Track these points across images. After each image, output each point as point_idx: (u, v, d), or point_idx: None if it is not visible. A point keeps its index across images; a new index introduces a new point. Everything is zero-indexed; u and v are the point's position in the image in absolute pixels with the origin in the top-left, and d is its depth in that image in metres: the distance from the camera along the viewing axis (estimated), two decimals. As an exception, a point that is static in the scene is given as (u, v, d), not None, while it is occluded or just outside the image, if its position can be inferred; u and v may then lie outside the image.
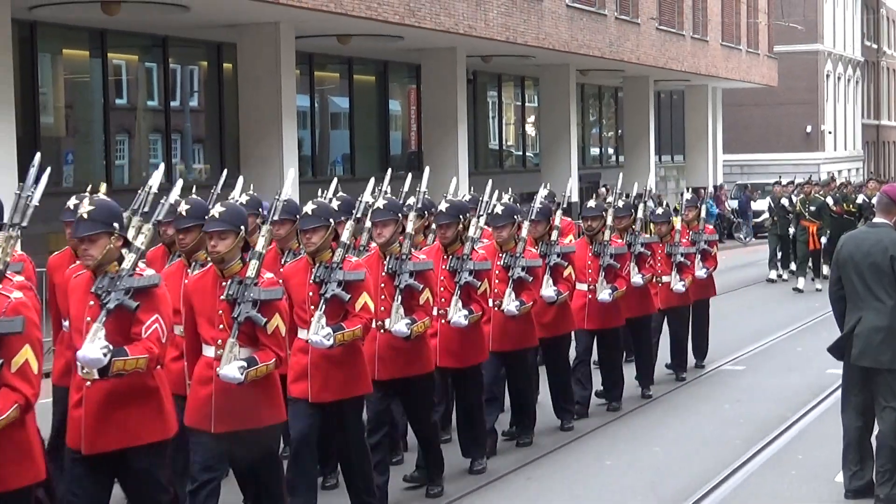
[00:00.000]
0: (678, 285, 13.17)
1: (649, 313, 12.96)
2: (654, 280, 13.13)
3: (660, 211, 13.95)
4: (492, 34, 27.00)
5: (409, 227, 9.00)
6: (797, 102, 56.10)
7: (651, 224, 13.92)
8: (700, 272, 13.72)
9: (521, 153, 38.49)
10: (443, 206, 9.64)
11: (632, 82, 39.48)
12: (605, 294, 11.46)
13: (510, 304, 9.94)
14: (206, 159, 26.38)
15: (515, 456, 10.39)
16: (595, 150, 42.81)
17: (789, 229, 23.87)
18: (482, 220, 10.24)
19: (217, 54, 25.52)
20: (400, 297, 8.52)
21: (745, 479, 9.88)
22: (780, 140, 55.97)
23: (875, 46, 69.45)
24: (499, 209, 10.20)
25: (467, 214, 9.81)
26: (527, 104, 38.30)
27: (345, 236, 8.06)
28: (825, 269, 23.80)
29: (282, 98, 22.96)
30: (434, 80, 29.07)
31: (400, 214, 8.71)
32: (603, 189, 35.66)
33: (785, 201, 24.16)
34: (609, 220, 11.78)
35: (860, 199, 24.99)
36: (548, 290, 10.48)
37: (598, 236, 11.73)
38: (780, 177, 29.56)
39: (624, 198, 13.91)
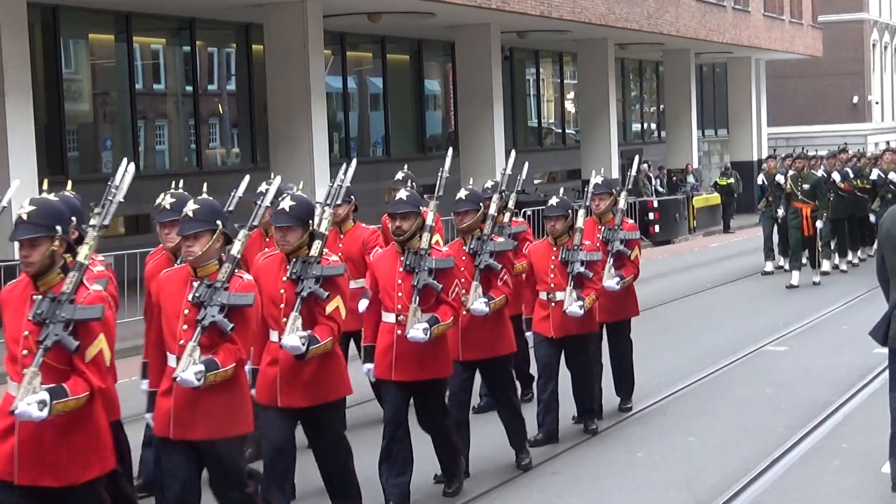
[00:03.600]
0: (573, 306, 9.52)
1: (506, 353, 9.14)
2: (546, 300, 9.85)
3: (554, 202, 9.80)
4: (526, 9, 26.36)
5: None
6: (843, 73, 55.30)
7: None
8: (610, 282, 10.36)
9: (560, 130, 37.92)
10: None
11: (672, 55, 38.74)
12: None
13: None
14: (235, 142, 25.93)
15: (540, 449, 9.77)
16: (636, 126, 42.21)
17: (779, 211, 20.78)
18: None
19: (246, 35, 25.13)
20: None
21: (785, 470, 9.32)
22: (826, 111, 55.15)
23: (923, 14, 68.27)
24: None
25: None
26: (566, 80, 37.76)
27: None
28: (835, 261, 21.80)
29: (310, 78, 22.47)
30: (469, 57, 28.47)
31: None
32: (646, 165, 35.09)
33: (780, 178, 20.83)
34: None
35: (875, 174, 21.63)
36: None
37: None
38: (774, 150, 27.20)
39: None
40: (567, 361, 10.14)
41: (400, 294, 7.95)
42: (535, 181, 33.42)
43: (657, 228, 29.85)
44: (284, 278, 7.15)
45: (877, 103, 58.08)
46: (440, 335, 7.98)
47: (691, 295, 20.03)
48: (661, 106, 42.04)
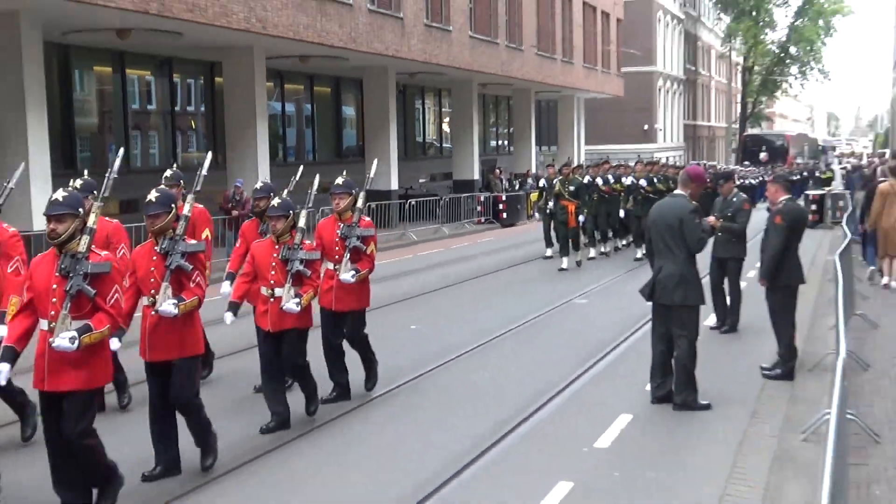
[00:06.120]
0: (290, 304, 7.48)
1: (191, 355, 6.58)
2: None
3: (276, 202, 7.72)
4: (414, 56, 26.21)
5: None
6: (638, 108, 55.95)
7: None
8: (346, 275, 8.36)
9: (439, 144, 37.65)
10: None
11: (519, 93, 38.78)
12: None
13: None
14: (202, 148, 25.28)
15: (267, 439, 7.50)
16: (493, 142, 41.99)
17: (549, 205, 18.52)
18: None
19: (210, 71, 24.49)
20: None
21: (580, 387, 9.23)
22: (626, 135, 55.79)
23: (693, 68, 69.36)
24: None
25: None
26: (443, 109, 37.46)
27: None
28: (601, 249, 20.13)
29: (256, 103, 22.09)
30: (373, 90, 28.18)
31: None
32: (498, 170, 35.08)
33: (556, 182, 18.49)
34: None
35: (629, 180, 19.73)
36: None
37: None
38: (570, 159, 24.37)
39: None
40: (285, 358, 7.73)
41: (54, 300, 5.58)
42: (421, 180, 33.21)
43: (505, 215, 29.79)
44: None
45: (660, 129, 58.91)
46: (93, 344, 5.57)
47: (525, 262, 19.84)
48: (511, 128, 42.02)
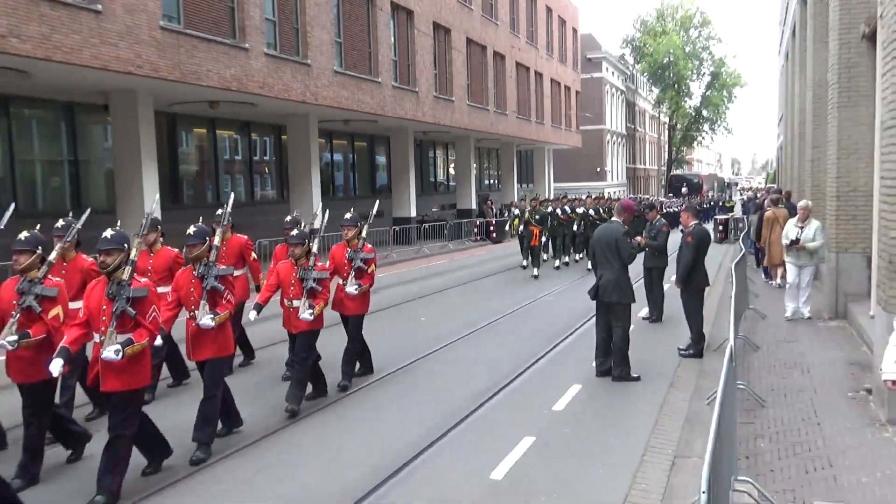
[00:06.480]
0: (305, 314, 6.98)
1: (225, 355, 6.21)
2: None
3: (294, 232, 7.18)
4: (427, 119, 26.07)
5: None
6: (592, 155, 55.76)
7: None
8: (350, 288, 7.87)
9: (446, 182, 37.48)
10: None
11: (504, 145, 38.62)
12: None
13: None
14: (273, 188, 25.18)
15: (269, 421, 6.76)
16: (486, 181, 41.77)
17: (520, 229, 17.95)
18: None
19: (279, 131, 24.36)
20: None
21: (543, 364, 8.94)
22: (584, 175, 55.65)
23: (632, 126, 69.12)
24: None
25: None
26: (449, 157, 37.30)
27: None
28: (559, 262, 19.09)
29: (311, 155, 21.98)
30: (397, 145, 28.06)
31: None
32: (489, 202, 34.88)
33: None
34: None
35: (581, 210, 19.50)
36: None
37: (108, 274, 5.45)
38: (537, 195, 23.91)
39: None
40: (295, 350, 7.33)
41: (104, 318, 5.18)
42: (433, 209, 33.04)
43: (495, 235, 29.55)
44: None
45: (609, 171, 58.68)
46: (135, 354, 5.18)
47: (507, 270, 19.67)
48: (499, 171, 41.79)
